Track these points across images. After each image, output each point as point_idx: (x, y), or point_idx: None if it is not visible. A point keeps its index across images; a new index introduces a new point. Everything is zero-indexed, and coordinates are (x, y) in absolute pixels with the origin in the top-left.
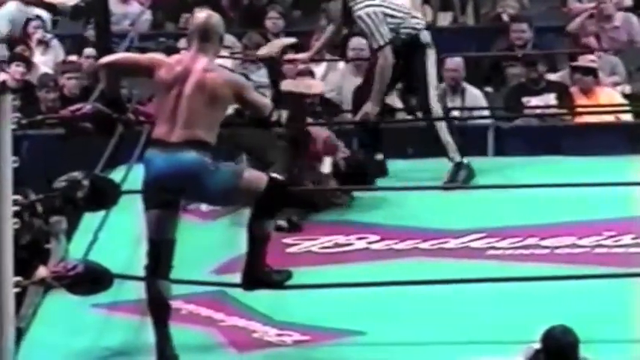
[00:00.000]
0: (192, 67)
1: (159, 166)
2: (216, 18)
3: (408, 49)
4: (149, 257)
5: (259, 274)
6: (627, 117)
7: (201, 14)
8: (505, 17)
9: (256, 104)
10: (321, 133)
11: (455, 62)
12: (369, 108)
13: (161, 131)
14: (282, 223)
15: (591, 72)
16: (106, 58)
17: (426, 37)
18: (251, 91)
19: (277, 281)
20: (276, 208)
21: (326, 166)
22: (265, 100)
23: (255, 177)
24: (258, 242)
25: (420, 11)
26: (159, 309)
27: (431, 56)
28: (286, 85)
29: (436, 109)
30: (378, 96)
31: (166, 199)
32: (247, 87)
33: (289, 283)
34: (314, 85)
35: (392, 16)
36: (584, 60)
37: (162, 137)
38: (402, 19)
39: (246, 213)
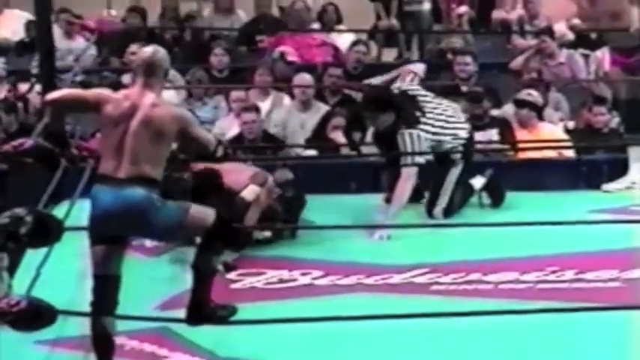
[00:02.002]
0: (140, 102)
1: (105, 202)
2: (161, 53)
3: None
4: (94, 293)
5: (204, 309)
6: (569, 153)
7: (147, 49)
8: (449, 54)
9: (201, 140)
10: (240, 168)
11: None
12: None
13: (107, 167)
14: (219, 266)
15: (528, 105)
16: (53, 94)
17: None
18: (197, 127)
19: (222, 316)
20: (222, 244)
21: (248, 192)
22: (210, 135)
23: (202, 213)
24: (203, 278)
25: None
26: (103, 345)
27: (457, 168)
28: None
29: (437, 217)
30: (396, 213)
31: (112, 235)
32: (193, 122)
33: (234, 318)
34: None
35: (435, 134)
36: (523, 94)
37: (109, 173)
38: (445, 136)
39: (190, 249)
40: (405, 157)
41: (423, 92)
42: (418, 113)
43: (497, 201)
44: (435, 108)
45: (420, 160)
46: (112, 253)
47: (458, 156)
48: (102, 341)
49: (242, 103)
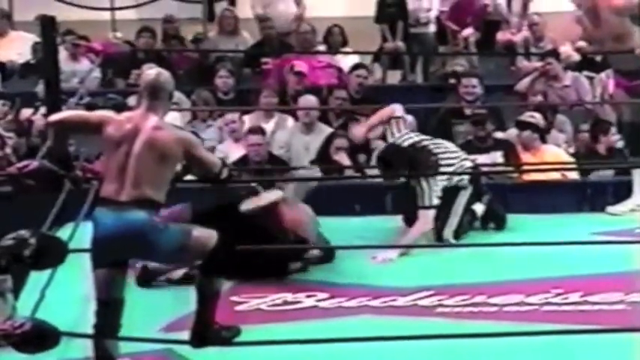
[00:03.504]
0: (142, 124)
1: (107, 226)
2: (165, 75)
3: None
4: (97, 316)
5: (208, 331)
6: (574, 175)
7: (151, 72)
8: (452, 78)
9: (206, 162)
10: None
11: (407, 121)
12: (394, 255)
13: (109, 190)
14: None
15: (531, 127)
16: (55, 116)
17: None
18: (201, 149)
19: (226, 338)
20: (225, 267)
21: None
22: (214, 158)
23: (205, 235)
24: (207, 300)
25: None
26: None
27: (467, 191)
28: (247, 204)
29: (448, 240)
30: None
31: (115, 258)
32: (197, 145)
33: (238, 339)
34: (271, 194)
35: (448, 165)
36: (526, 116)
37: (111, 196)
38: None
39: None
40: (422, 198)
41: (425, 137)
42: (434, 159)
43: (499, 225)
44: (443, 149)
45: (437, 201)
46: (115, 276)
47: (466, 180)
48: None
49: (234, 125)
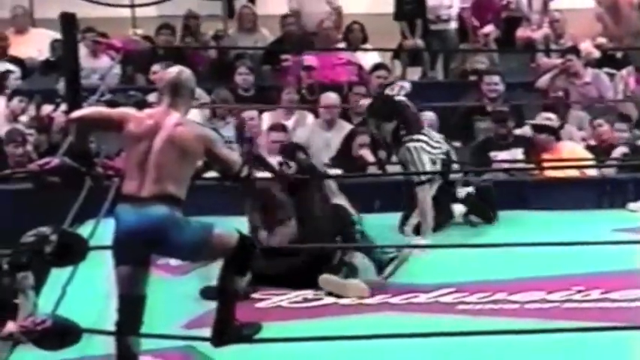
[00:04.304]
0: (163, 121)
1: (129, 222)
2: (187, 73)
3: None
4: (119, 313)
5: (228, 329)
6: (593, 172)
7: (173, 69)
8: (472, 75)
9: (226, 160)
10: None
11: (429, 117)
12: (423, 241)
13: (131, 186)
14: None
15: (548, 130)
16: (77, 113)
17: None
18: (221, 147)
19: (246, 335)
20: (246, 266)
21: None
22: (235, 155)
23: (226, 234)
24: (227, 298)
25: None
26: None
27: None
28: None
29: (408, 235)
30: (428, 228)
31: (137, 254)
32: (218, 142)
33: (259, 336)
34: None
35: (431, 146)
36: (541, 118)
37: (132, 192)
38: (435, 149)
39: (215, 267)
40: (414, 175)
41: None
42: (419, 122)
43: (487, 219)
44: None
45: (428, 168)
46: (137, 273)
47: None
48: None
49: (253, 122)
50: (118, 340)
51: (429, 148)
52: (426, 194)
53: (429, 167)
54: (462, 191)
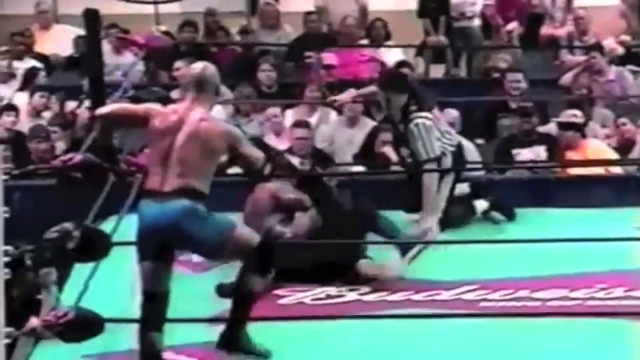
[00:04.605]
0: (187, 116)
1: (152, 216)
2: (211, 69)
3: None
4: (143, 308)
5: (239, 337)
6: (617, 169)
7: (197, 65)
8: (495, 73)
9: (249, 157)
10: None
11: (451, 115)
12: (429, 223)
13: (154, 181)
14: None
15: (574, 127)
16: (102, 109)
17: None
18: (245, 143)
19: (253, 352)
20: (266, 268)
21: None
22: (258, 152)
23: (247, 233)
24: (242, 301)
25: None
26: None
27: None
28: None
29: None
30: (433, 209)
31: (160, 250)
32: (241, 139)
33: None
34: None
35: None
36: (567, 116)
37: (156, 187)
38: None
39: (237, 264)
40: (420, 151)
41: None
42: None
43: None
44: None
45: (437, 152)
46: (160, 269)
47: (448, 165)
48: (149, 356)
49: (276, 119)
50: (142, 336)
51: (437, 133)
52: (433, 176)
53: (437, 146)
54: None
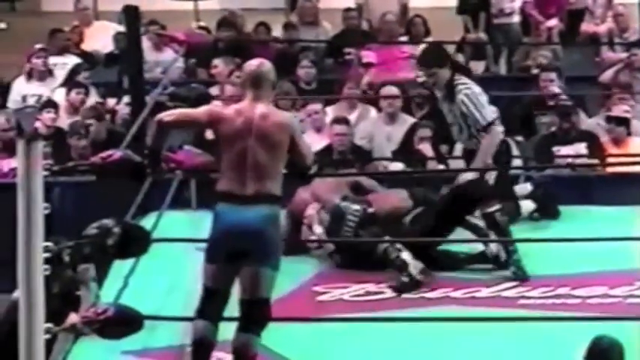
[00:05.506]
0: (252, 116)
1: (235, 220)
2: (267, 65)
3: None
4: (202, 301)
5: None
6: None
7: (253, 62)
8: (534, 69)
9: (304, 151)
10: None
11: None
12: (470, 176)
13: (231, 185)
14: (405, 279)
15: (624, 122)
16: (166, 117)
17: None
18: (301, 137)
19: None
20: (263, 323)
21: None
22: (310, 148)
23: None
24: None
25: None
26: (202, 349)
27: None
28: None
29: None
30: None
31: (234, 255)
32: (299, 130)
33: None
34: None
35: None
36: (619, 110)
37: (235, 191)
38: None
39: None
40: (477, 118)
41: None
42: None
43: (552, 215)
44: None
45: (494, 115)
46: (229, 272)
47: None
48: (201, 345)
49: (317, 115)
50: (196, 325)
51: (486, 96)
52: (495, 139)
53: (490, 111)
54: (521, 188)
